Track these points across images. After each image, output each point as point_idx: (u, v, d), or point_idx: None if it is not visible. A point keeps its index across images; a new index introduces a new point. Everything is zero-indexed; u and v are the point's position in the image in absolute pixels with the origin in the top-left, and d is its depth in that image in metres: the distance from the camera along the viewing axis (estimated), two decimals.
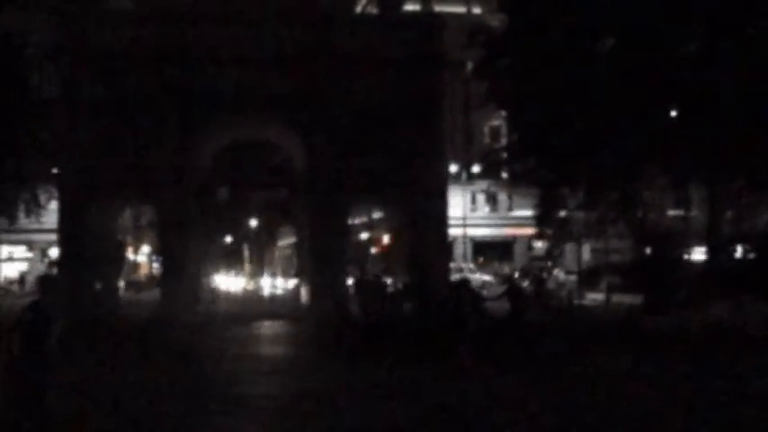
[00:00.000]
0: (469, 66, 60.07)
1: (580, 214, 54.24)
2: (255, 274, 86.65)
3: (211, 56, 39.45)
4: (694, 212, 53.85)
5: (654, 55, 36.31)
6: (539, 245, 76.79)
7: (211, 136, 41.95)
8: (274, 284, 63.66)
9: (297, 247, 52.18)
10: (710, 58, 36.93)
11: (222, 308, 44.83)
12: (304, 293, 44.08)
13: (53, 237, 48.90)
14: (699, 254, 57.38)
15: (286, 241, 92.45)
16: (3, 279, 72.75)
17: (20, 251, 78.53)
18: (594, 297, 49.77)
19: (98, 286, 40.86)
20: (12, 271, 75.66)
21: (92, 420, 15.94)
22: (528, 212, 65.76)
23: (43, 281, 14.24)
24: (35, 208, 50.21)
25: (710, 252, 48.33)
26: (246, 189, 69.34)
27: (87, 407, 17.01)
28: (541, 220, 54.07)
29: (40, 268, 72.52)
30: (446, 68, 43.12)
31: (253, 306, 48.46)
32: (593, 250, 72.28)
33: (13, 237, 72.10)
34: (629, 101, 36.44)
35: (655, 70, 36.02)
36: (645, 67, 36.10)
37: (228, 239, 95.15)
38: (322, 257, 40.92)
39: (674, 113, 39.07)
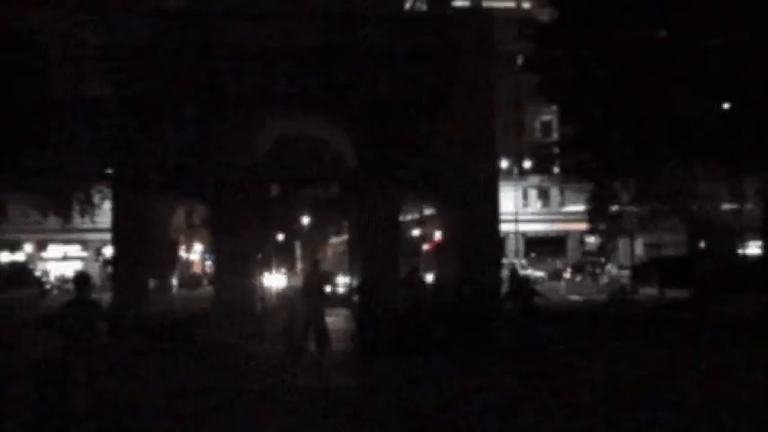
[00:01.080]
0: (520, 60, 60.02)
1: (633, 208, 53.98)
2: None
3: (258, 51, 39.52)
4: (749, 206, 53.34)
5: (707, 45, 35.94)
6: (591, 240, 76.57)
7: (262, 132, 42.06)
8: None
9: (349, 244, 52.19)
10: (765, 47, 36.49)
11: (273, 304, 45.00)
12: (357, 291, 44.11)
13: (107, 236, 49.43)
14: (754, 248, 56.89)
15: (338, 238, 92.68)
16: (58, 278, 73.60)
17: (74, 250, 79.60)
18: (648, 292, 49.43)
19: (151, 284, 41.17)
20: (67, 270, 76.58)
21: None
22: (580, 207, 65.56)
23: (78, 278, 14.40)
24: (89, 208, 50.77)
25: (765, 245, 47.84)
26: (298, 186, 69.49)
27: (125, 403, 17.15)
28: (594, 214, 53.94)
29: (95, 267, 73.49)
30: (496, 63, 42.91)
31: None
32: (646, 245, 72.05)
33: (68, 236, 73.20)
34: (681, 92, 36.10)
35: (708, 60, 35.64)
36: (698, 57, 35.74)
37: (281, 237, 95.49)
38: (373, 254, 40.92)
39: (727, 105, 38.68)
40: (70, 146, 42.57)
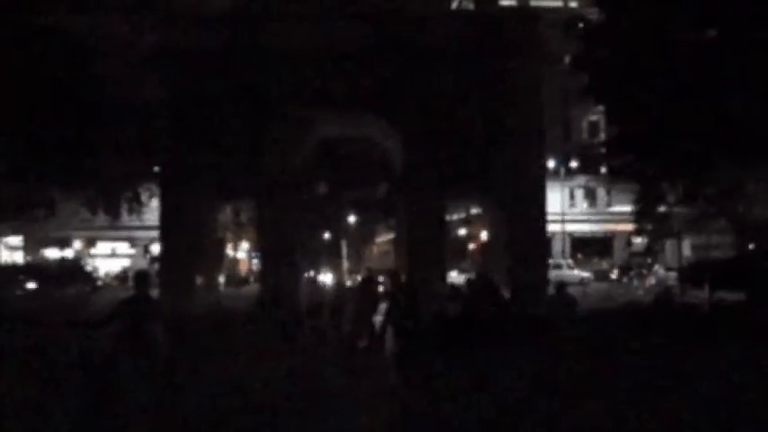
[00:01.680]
0: (567, 60, 59.75)
1: (680, 209, 53.53)
2: (353, 270, 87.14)
3: (307, 52, 39.71)
4: None
5: (759, 43, 35.59)
6: (638, 241, 75.92)
7: (310, 132, 42.24)
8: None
9: (395, 243, 52.31)
10: None
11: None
12: None
13: (154, 233, 49.87)
14: None
15: (384, 237, 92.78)
16: (108, 274, 74.40)
17: (122, 248, 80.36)
18: (696, 294, 49.00)
19: (198, 282, 41.49)
20: (115, 267, 77.36)
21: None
22: (627, 208, 65.03)
23: (137, 276, 14.53)
24: (137, 206, 51.28)
25: None
26: (345, 185, 69.69)
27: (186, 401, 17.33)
28: (641, 215, 53.53)
29: (143, 264, 74.07)
30: (543, 63, 42.78)
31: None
32: (693, 246, 71.38)
33: (116, 234, 73.94)
34: (731, 91, 35.76)
35: (761, 59, 35.28)
36: (748, 55, 35.40)
37: (327, 236, 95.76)
38: (420, 253, 40.97)
39: None
40: (121, 145, 43.01)
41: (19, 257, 74.29)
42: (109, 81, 41.16)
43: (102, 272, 73.16)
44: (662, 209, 53.21)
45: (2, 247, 75.64)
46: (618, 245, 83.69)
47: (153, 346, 13.22)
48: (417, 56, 39.82)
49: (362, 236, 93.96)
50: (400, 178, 43.69)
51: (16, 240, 75.35)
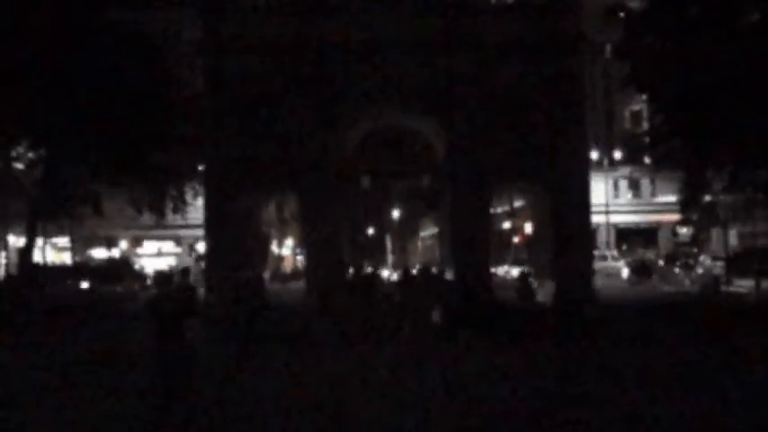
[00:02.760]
0: (608, 51, 59.42)
1: (726, 198, 53.14)
2: (398, 264, 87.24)
3: (350, 46, 39.82)
4: None
5: None
6: (684, 231, 75.42)
7: (353, 125, 42.36)
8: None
9: (439, 236, 52.32)
10: None
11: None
12: None
13: (199, 232, 50.20)
14: None
15: (429, 231, 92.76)
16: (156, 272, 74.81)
17: (168, 246, 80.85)
18: (743, 283, 48.59)
19: (244, 279, 41.65)
20: (162, 265, 77.83)
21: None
22: (672, 198, 64.59)
23: (157, 276, 14.76)
24: (181, 205, 51.61)
25: None
26: (389, 178, 69.72)
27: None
28: (686, 204, 53.09)
29: (188, 262, 74.59)
30: (584, 53, 42.63)
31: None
32: (740, 235, 70.72)
33: (162, 233, 74.38)
34: None
35: None
36: None
37: (371, 230, 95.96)
38: (465, 247, 40.99)
39: None
40: (170, 145, 43.35)
41: (66, 257, 74.95)
42: (148, 75, 41.47)
43: (150, 270, 73.64)
44: (707, 198, 52.85)
45: (49, 247, 76.34)
46: (663, 235, 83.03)
47: (184, 343, 13.35)
48: (461, 49, 39.83)
49: (407, 230, 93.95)
50: (445, 171, 43.69)
51: (64, 240, 75.99)
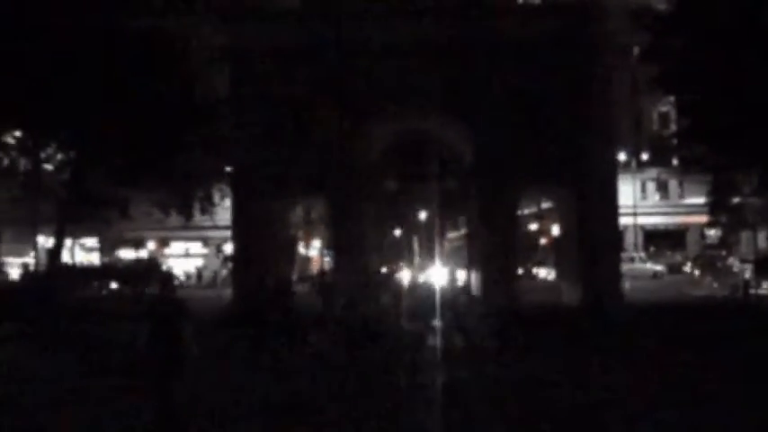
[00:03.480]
0: (636, 52, 59.21)
1: (755, 200, 52.87)
2: (425, 266, 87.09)
3: (373, 49, 39.82)
4: None
5: None
6: (712, 233, 75.12)
7: (379, 128, 42.35)
8: (446, 277, 63.39)
9: (466, 238, 52.21)
10: None
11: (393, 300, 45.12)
12: (475, 285, 44.18)
13: (227, 233, 50.33)
14: None
15: (455, 233, 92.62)
16: (186, 273, 75.29)
17: (196, 247, 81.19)
18: None
19: (271, 281, 41.73)
20: (189, 267, 78.20)
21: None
22: (700, 199, 64.49)
23: (162, 278, 14.92)
24: (209, 206, 51.81)
25: None
26: (415, 180, 69.68)
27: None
28: (714, 206, 53.01)
29: (216, 263, 74.89)
30: (612, 54, 42.45)
31: (423, 298, 48.66)
32: None
33: (190, 234, 74.68)
34: None
35: None
36: None
37: (398, 232, 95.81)
38: (491, 249, 40.92)
39: None
40: (195, 145, 43.52)
41: (95, 258, 75.46)
42: (173, 79, 41.68)
43: (179, 272, 73.96)
44: (736, 200, 52.65)
45: (78, 248, 76.83)
46: (691, 237, 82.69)
47: (179, 345, 13.50)
48: (485, 51, 39.77)
49: (434, 232, 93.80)
50: (472, 174, 43.62)
51: (92, 241, 76.52)
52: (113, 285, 50.25)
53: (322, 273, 44.11)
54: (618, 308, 37.37)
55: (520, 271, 68.47)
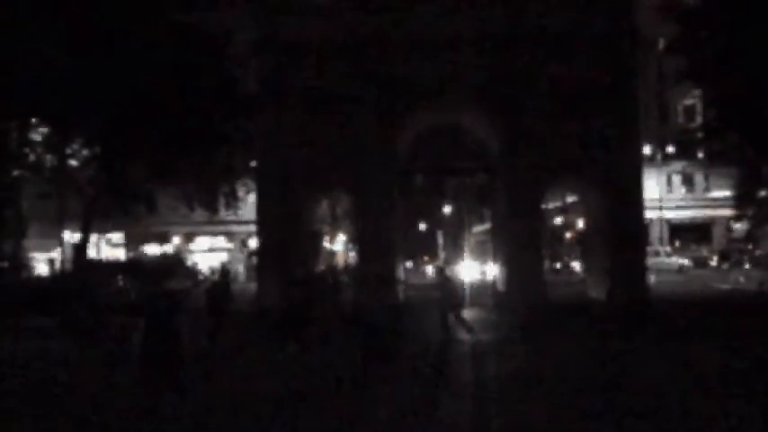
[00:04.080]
0: (662, 44, 58.92)
1: None
2: (450, 260, 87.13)
3: (407, 42, 39.79)
4: None
5: None
6: (738, 226, 74.78)
7: (409, 122, 42.27)
8: (473, 270, 63.31)
9: (492, 233, 52.13)
10: None
11: (417, 294, 45.11)
12: (500, 280, 44.11)
13: (252, 228, 50.43)
14: None
15: (481, 227, 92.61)
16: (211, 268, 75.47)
17: (220, 242, 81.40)
18: None
19: (296, 275, 41.75)
20: (214, 262, 78.39)
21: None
22: (726, 193, 64.16)
23: (155, 273, 15.03)
24: (233, 201, 51.92)
25: None
26: (441, 174, 69.61)
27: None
28: (741, 200, 52.61)
29: (240, 259, 75.12)
30: (639, 46, 42.22)
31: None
32: None
33: (214, 229, 74.96)
34: None
35: None
36: None
37: (423, 226, 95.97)
38: (518, 243, 40.83)
39: None
40: (224, 142, 43.61)
41: (121, 254, 75.74)
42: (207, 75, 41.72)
43: (202, 267, 74.21)
44: (763, 193, 52.26)
45: (104, 244, 77.18)
46: (717, 231, 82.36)
47: (177, 340, 13.57)
48: (517, 44, 39.67)
49: (459, 226, 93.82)
50: (497, 167, 43.53)
51: (118, 237, 76.84)
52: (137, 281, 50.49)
53: (332, 269, 43.96)
54: (643, 302, 37.28)
55: (557, 265, 68.63)
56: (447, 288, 27.95)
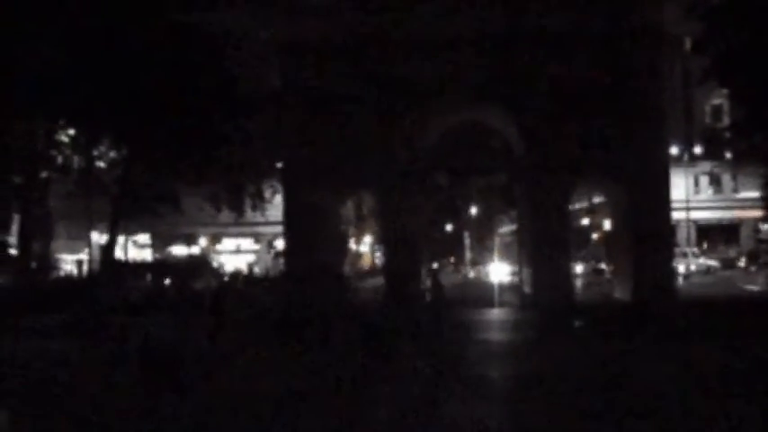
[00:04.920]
0: (688, 43, 58.64)
1: None
2: (476, 261, 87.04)
3: (421, 41, 39.78)
4: None
5: None
6: (766, 227, 74.29)
7: (429, 122, 42.22)
8: (498, 271, 63.20)
9: (518, 234, 52.00)
10: None
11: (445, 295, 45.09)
12: (526, 280, 44.00)
13: (278, 228, 50.56)
14: None
15: (507, 228, 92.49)
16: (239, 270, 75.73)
17: (247, 243, 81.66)
18: None
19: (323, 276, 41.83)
20: (240, 263, 78.63)
21: None
22: (754, 193, 63.82)
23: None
24: (260, 202, 52.07)
25: None
26: (467, 175, 69.57)
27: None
28: None
29: (267, 259, 75.34)
30: (663, 44, 42.00)
31: (475, 293, 48.74)
32: None
33: (241, 230, 75.20)
34: None
35: None
36: None
37: (449, 227, 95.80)
38: (543, 243, 40.72)
39: None
40: (248, 142, 43.78)
41: (147, 254, 76.11)
42: (222, 75, 41.94)
43: (230, 268, 74.51)
44: None
45: (131, 245, 77.58)
46: (745, 232, 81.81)
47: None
48: (540, 42, 39.56)
49: (485, 227, 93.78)
50: (522, 168, 43.43)
51: (145, 238, 77.20)
52: (166, 282, 50.76)
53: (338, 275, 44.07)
54: (670, 303, 37.13)
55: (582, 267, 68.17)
56: (436, 291, 28.43)
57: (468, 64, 39.87)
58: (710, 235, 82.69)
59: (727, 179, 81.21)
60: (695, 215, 79.16)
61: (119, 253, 55.80)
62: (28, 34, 36.57)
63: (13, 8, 36.25)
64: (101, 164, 47.55)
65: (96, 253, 55.29)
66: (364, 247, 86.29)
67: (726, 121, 69.47)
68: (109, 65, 37.12)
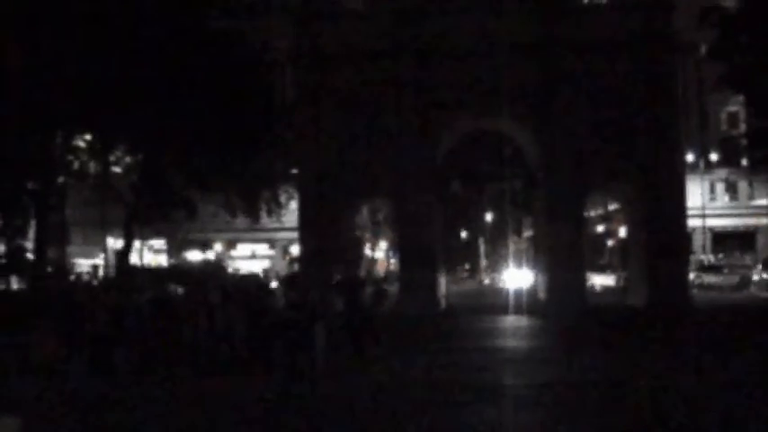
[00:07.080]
0: (703, 50, 58.52)
1: None
2: (491, 268, 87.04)
3: (444, 49, 39.85)
4: None
5: None
6: None
7: (447, 129, 42.28)
8: (512, 278, 63.01)
9: (533, 240, 51.98)
10: None
11: (458, 302, 45.10)
12: (541, 287, 43.95)
13: (294, 234, 50.58)
14: None
15: (523, 235, 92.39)
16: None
17: (262, 249, 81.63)
18: None
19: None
20: (256, 268, 78.62)
21: None
22: None
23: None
24: (276, 208, 52.11)
25: None
26: (481, 182, 69.53)
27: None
28: None
29: (282, 265, 75.31)
30: (678, 52, 41.96)
31: (490, 300, 48.70)
32: None
33: (256, 235, 75.24)
34: None
35: None
36: None
37: (465, 234, 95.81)
38: (557, 250, 40.69)
39: None
40: (271, 148, 43.86)
41: (163, 260, 76.21)
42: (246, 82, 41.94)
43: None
44: None
45: (146, 250, 77.72)
46: (761, 239, 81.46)
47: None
48: (561, 49, 39.60)
49: (500, 234, 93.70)
50: (538, 175, 43.41)
51: (160, 243, 77.31)
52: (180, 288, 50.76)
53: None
54: (685, 310, 37.06)
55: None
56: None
57: (491, 72, 39.87)
58: (726, 242, 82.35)
59: (743, 186, 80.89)
60: (711, 222, 78.82)
61: (134, 258, 55.89)
62: (68, 42, 36.65)
63: (55, 18, 36.40)
64: (117, 169, 47.62)
65: (111, 258, 55.39)
66: (380, 253, 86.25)
67: (742, 128, 69.21)
68: (137, 73, 37.18)
